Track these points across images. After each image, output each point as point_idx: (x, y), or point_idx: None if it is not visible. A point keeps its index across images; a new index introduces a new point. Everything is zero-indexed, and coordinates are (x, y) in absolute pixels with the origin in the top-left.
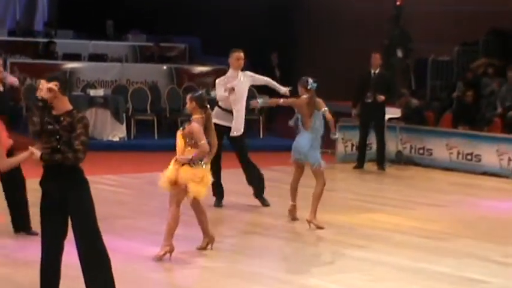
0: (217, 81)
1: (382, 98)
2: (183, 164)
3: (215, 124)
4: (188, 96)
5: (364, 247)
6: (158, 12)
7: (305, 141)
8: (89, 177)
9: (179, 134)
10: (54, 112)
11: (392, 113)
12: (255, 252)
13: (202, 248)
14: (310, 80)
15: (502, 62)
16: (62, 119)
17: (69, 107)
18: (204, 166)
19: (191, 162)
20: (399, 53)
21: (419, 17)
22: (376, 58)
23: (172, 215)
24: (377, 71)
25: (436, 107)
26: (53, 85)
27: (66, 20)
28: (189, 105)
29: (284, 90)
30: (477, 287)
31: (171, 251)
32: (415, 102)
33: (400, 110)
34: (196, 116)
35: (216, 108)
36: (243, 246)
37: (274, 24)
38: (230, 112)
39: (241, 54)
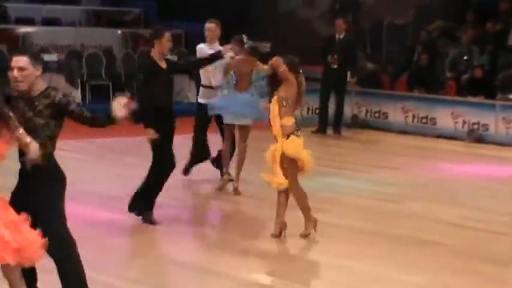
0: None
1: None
2: (288, 136)
3: (200, 104)
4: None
5: (321, 210)
6: None
7: (246, 101)
8: None
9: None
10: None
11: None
12: (210, 217)
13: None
14: (245, 37)
15: (457, 24)
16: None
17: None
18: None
19: (295, 131)
20: (349, 17)
21: None
22: (340, 23)
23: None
24: (341, 36)
25: (391, 71)
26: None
27: None
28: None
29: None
30: (433, 249)
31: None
32: (370, 66)
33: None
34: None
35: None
36: (197, 213)
37: None
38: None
39: (210, 25)
